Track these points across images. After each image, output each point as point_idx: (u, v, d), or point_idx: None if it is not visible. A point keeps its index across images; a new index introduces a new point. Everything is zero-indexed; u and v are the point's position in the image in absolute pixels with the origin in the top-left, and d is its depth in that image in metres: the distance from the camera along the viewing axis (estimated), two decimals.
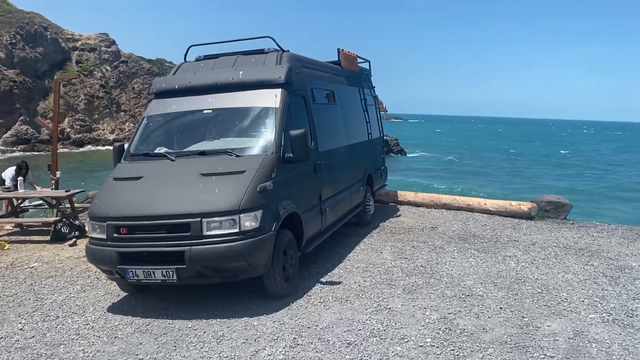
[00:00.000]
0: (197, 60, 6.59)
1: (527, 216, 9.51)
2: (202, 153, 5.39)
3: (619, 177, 38.59)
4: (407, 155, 53.01)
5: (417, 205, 10.90)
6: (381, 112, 10.75)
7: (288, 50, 6.32)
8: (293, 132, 5.31)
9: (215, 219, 4.68)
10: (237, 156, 5.24)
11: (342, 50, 8.41)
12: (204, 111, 5.81)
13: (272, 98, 5.63)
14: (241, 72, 5.85)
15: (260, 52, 6.30)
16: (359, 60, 9.54)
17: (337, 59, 8.41)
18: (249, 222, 4.76)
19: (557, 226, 8.96)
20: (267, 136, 5.41)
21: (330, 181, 6.85)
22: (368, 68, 10.24)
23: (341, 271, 6.28)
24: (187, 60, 6.69)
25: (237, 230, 4.71)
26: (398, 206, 10.92)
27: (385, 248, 7.35)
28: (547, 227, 8.87)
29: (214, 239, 4.67)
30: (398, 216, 9.82)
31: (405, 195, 11.21)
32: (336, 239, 7.80)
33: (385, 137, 10.99)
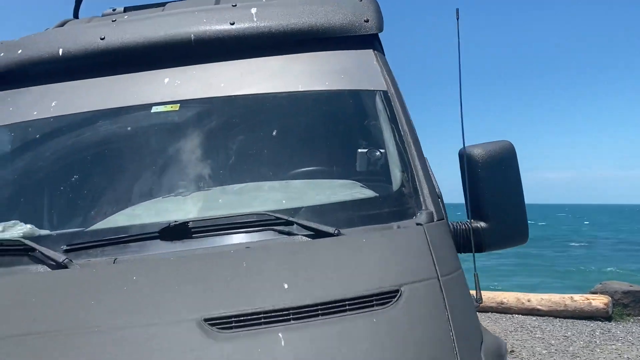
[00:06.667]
0: (111, 12, 2.98)
1: (603, 315, 6.40)
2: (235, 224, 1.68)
3: None
4: None
5: None
6: None
7: None
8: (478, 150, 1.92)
9: None
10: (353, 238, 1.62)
11: None
12: (153, 109, 2.11)
13: (367, 67, 2.18)
14: (254, 10, 2.28)
15: None
16: None
17: None
18: None
19: None
20: (389, 168, 1.94)
21: None
22: None
23: None
24: (78, 17, 3.07)
25: None
26: None
27: None
28: None
29: None
30: None
31: None
32: None
33: None
